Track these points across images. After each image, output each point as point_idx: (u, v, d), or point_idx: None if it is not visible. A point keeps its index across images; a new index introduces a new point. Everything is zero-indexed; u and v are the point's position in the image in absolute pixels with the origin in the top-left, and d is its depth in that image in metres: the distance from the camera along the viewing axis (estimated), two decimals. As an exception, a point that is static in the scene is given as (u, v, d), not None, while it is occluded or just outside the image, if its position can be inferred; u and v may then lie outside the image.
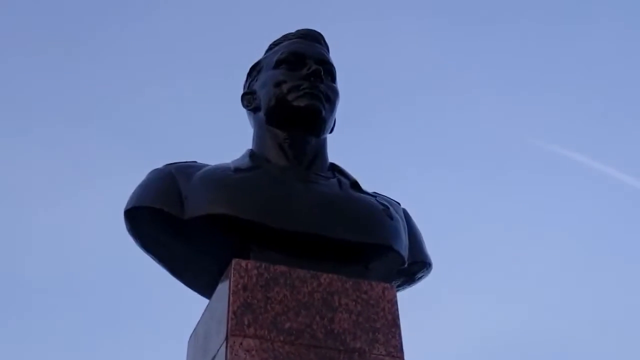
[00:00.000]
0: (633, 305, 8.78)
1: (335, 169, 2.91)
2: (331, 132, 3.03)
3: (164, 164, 2.79)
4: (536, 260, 9.53)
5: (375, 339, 2.44)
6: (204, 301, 2.74)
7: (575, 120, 10.25)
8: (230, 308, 2.35)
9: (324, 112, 2.83)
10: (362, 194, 2.79)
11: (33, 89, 9.72)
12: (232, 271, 2.43)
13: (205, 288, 2.72)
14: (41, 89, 9.75)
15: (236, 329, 2.31)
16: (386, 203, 2.82)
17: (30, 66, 9.76)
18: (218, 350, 2.34)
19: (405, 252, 2.75)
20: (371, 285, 2.55)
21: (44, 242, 9.36)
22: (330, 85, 2.93)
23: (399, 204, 2.98)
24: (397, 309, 2.55)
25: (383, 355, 2.42)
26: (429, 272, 2.95)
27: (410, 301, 2.90)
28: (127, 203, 2.69)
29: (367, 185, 2.87)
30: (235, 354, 2.26)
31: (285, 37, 3.09)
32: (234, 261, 2.45)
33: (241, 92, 3.10)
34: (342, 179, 2.83)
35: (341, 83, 3.03)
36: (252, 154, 2.83)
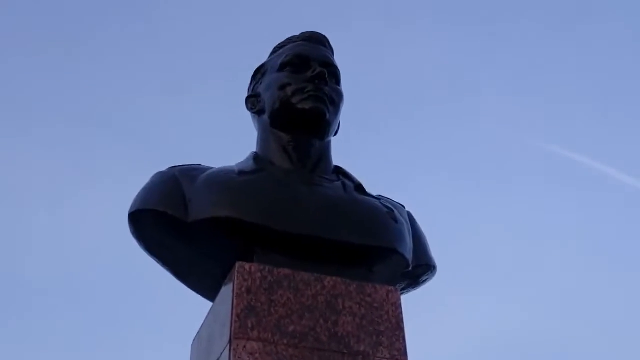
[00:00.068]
0: (634, 306, 8.77)
1: (339, 171, 2.90)
2: (335, 134, 3.03)
3: (168, 166, 2.79)
4: (538, 262, 9.52)
5: (379, 342, 2.44)
6: (208, 304, 2.73)
7: (578, 123, 10.24)
8: (234, 311, 2.34)
9: (328, 115, 2.82)
10: (366, 197, 2.78)
11: (34, 89, 9.74)
12: (236, 274, 2.42)
13: (209, 291, 2.72)
14: (42, 89, 9.76)
15: (240, 332, 2.30)
16: (390, 206, 2.81)
17: (31, 66, 9.78)
18: (222, 354, 2.34)
19: (409, 255, 2.74)
20: (375, 289, 2.55)
21: (45, 243, 9.38)
22: (334, 88, 2.93)
23: (403, 206, 2.98)
24: (401, 312, 2.54)
25: (387, 359, 2.41)
26: (433, 275, 2.94)
27: (414, 304, 2.89)
28: (131, 206, 2.68)
29: (371, 188, 2.87)
30: (238, 357, 2.25)
31: (290, 40, 3.09)
32: (237, 264, 2.45)
33: (245, 94, 3.10)
34: (347, 181, 2.82)
35: (345, 86, 3.03)
36: (256, 157, 2.82)
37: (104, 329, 8.85)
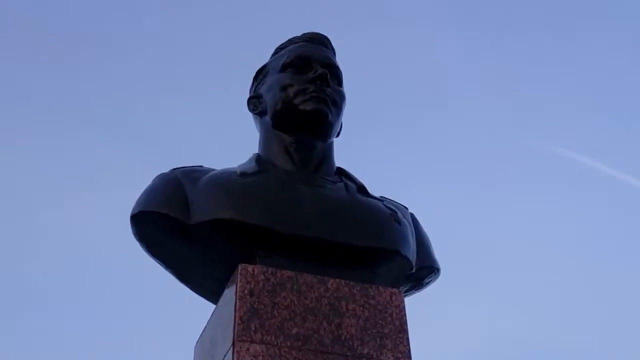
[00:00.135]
0: (636, 308, 8.75)
1: (342, 173, 2.90)
2: (338, 136, 3.02)
3: (170, 168, 2.78)
4: (541, 264, 9.50)
5: (382, 344, 2.43)
6: (211, 306, 2.72)
7: (581, 124, 10.23)
8: (237, 313, 2.33)
9: (330, 116, 2.81)
10: (369, 199, 2.77)
11: (36, 91, 9.73)
12: (239, 276, 2.41)
13: (211, 293, 2.71)
14: (44, 91, 9.75)
15: (243, 334, 2.29)
16: (393, 207, 2.80)
17: (32, 68, 9.78)
18: (224, 356, 2.33)
19: (412, 257, 2.73)
20: (378, 291, 2.54)
21: (49, 245, 9.36)
22: (336, 89, 2.92)
23: (406, 208, 2.97)
24: (404, 315, 2.53)
25: (391, 361, 2.40)
26: (437, 277, 2.93)
27: (417, 306, 2.88)
28: (134, 208, 2.68)
29: (374, 189, 2.86)
30: (242, 360, 2.24)
31: (291, 41, 3.08)
32: (240, 266, 2.44)
33: (247, 96, 3.09)
34: (349, 183, 2.81)
35: (348, 88, 3.02)
36: (258, 158, 2.81)
37: (106, 332, 8.85)
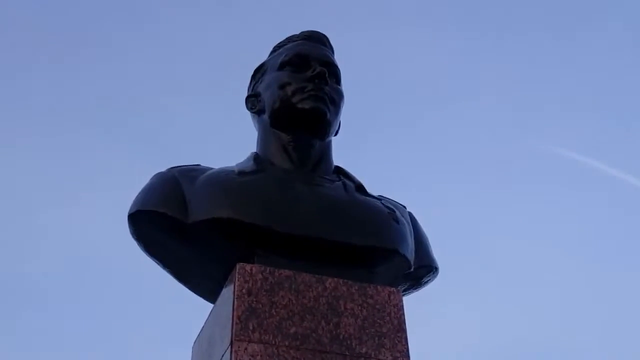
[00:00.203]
0: (636, 307, 8.75)
1: (340, 172, 2.89)
2: (336, 134, 3.01)
3: (167, 167, 2.77)
4: (541, 264, 9.50)
5: (381, 343, 2.42)
6: (208, 306, 2.72)
7: (581, 124, 10.22)
8: (235, 313, 2.33)
9: (328, 115, 2.80)
10: (367, 197, 2.76)
11: (36, 92, 9.72)
12: (237, 275, 2.40)
13: (209, 292, 2.70)
14: (45, 91, 9.74)
15: (241, 333, 2.28)
16: (392, 206, 2.79)
17: (32, 68, 9.77)
18: (222, 356, 2.32)
19: (411, 256, 2.72)
20: (377, 290, 2.53)
21: (49, 245, 9.35)
22: (335, 88, 2.91)
23: (404, 207, 2.96)
24: (403, 314, 2.52)
25: (389, 361, 2.39)
26: (435, 277, 2.92)
27: (416, 306, 2.87)
28: (131, 207, 2.67)
29: (372, 189, 2.85)
30: (239, 359, 2.23)
31: (290, 39, 3.07)
32: (238, 265, 2.43)
33: (245, 94, 3.08)
34: (347, 182, 2.80)
35: (347, 88, 3.01)
36: (256, 157, 2.80)
37: (104, 332, 8.84)
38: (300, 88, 2.80)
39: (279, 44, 3.10)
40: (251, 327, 2.31)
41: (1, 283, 9.30)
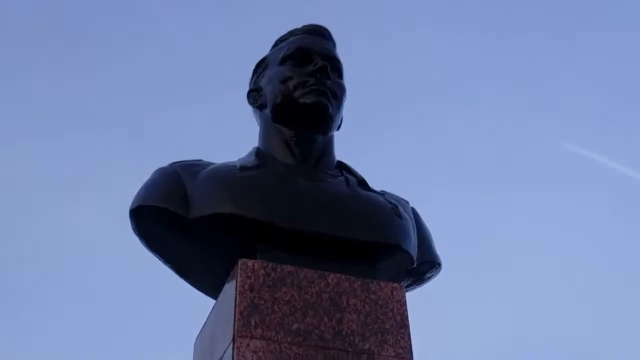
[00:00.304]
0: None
1: (342, 166, 2.87)
2: (338, 129, 3.00)
3: (169, 162, 2.76)
4: (546, 261, 9.48)
5: (384, 340, 2.41)
6: (210, 302, 2.70)
7: (587, 119, 10.20)
8: (237, 309, 2.32)
9: (330, 109, 2.79)
10: (369, 193, 2.75)
11: (36, 91, 9.71)
12: (239, 271, 2.39)
13: (211, 288, 2.69)
14: (45, 91, 9.73)
15: (243, 330, 2.27)
16: (394, 202, 2.78)
17: (31, 66, 9.76)
18: (225, 352, 2.31)
19: (414, 252, 2.71)
20: (380, 286, 2.52)
21: (47, 242, 9.35)
22: (337, 82, 2.89)
23: (407, 202, 2.94)
24: (406, 310, 2.51)
25: (392, 357, 2.38)
26: (438, 272, 2.91)
27: (419, 301, 2.86)
28: (132, 202, 2.66)
29: (376, 184, 2.84)
30: (242, 356, 2.22)
31: (291, 33, 3.05)
32: (240, 261, 2.42)
33: (246, 89, 3.07)
34: (350, 177, 2.79)
35: (349, 84, 3.00)
36: (258, 152, 2.79)
37: (106, 328, 8.84)
38: (302, 82, 2.79)
39: (280, 37, 3.09)
40: (253, 323, 2.30)
41: (1, 283, 9.30)
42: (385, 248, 2.60)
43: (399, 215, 2.69)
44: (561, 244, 9.66)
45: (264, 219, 2.47)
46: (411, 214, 2.87)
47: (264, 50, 3.15)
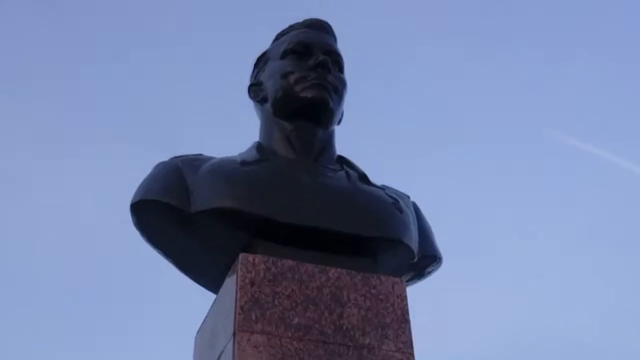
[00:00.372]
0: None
1: (343, 161, 2.87)
2: (339, 123, 3.00)
3: (170, 156, 2.76)
4: (546, 255, 9.48)
5: (384, 334, 2.41)
6: (211, 296, 2.71)
7: (586, 111, 10.17)
8: (238, 303, 2.32)
9: (331, 104, 2.79)
10: (370, 187, 2.75)
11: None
12: (240, 265, 2.39)
13: (212, 283, 2.69)
14: (43, 76, 9.71)
15: (244, 324, 2.28)
16: (395, 196, 2.78)
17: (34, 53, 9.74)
18: (225, 346, 2.31)
19: (415, 246, 2.71)
20: (380, 280, 2.52)
21: (46, 235, 9.35)
22: (338, 76, 2.89)
23: (408, 197, 2.95)
24: (406, 304, 2.51)
25: (393, 351, 2.38)
26: (439, 267, 2.92)
27: (420, 296, 2.86)
28: (134, 196, 2.66)
29: (377, 179, 2.84)
30: (242, 350, 2.23)
31: (292, 27, 3.05)
32: (241, 255, 2.42)
33: (247, 83, 3.07)
34: (351, 171, 2.79)
35: (349, 76, 3.00)
36: (259, 147, 2.79)
37: (106, 323, 8.84)
38: (302, 77, 2.79)
39: (281, 32, 3.09)
40: (254, 318, 2.30)
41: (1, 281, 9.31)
42: (386, 242, 2.60)
43: (400, 210, 2.69)
44: (565, 239, 9.65)
45: (265, 213, 2.47)
46: (412, 209, 2.87)
47: (263, 43, 3.16)
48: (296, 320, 2.34)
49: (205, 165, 2.66)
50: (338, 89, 2.85)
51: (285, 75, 2.82)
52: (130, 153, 9.40)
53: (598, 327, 9.17)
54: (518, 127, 10.28)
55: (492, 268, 9.39)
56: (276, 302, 2.35)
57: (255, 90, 2.98)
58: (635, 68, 9.97)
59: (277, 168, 2.66)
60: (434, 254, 2.87)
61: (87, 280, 9.16)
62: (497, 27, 10.42)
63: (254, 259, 2.42)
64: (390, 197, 2.74)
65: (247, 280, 2.37)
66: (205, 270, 2.71)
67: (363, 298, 2.46)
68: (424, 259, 2.82)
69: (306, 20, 3.05)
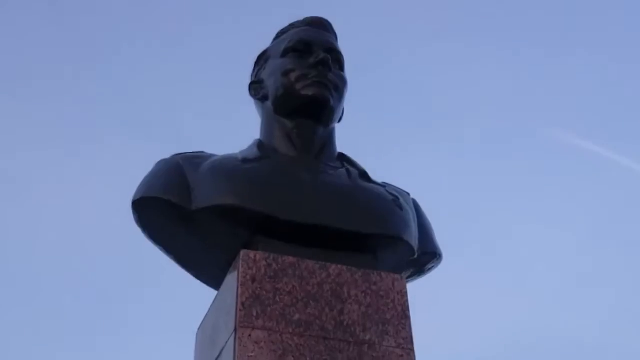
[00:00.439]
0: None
1: (343, 158, 2.89)
2: (339, 121, 3.01)
3: (172, 154, 2.77)
4: (551, 256, 9.48)
5: (385, 330, 2.42)
6: (212, 293, 2.72)
7: (586, 108, 10.17)
8: (239, 299, 2.33)
9: (332, 102, 2.80)
10: (371, 185, 2.76)
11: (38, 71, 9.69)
12: (241, 262, 2.40)
13: (213, 279, 2.70)
14: (45, 72, 9.72)
15: (245, 320, 2.29)
16: (396, 193, 2.79)
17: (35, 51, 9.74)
18: (226, 342, 2.32)
19: (415, 243, 2.72)
20: (381, 277, 2.53)
21: (46, 235, 9.36)
22: (338, 74, 2.90)
23: (408, 194, 2.96)
24: (407, 301, 2.52)
25: (393, 347, 2.39)
26: (439, 263, 2.93)
27: (420, 292, 2.87)
28: (135, 194, 2.67)
29: (377, 176, 2.85)
30: (243, 346, 2.24)
31: (293, 25, 3.06)
32: (242, 252, 2.43)
33: (247, 81, 3.08)
34: (351, 169, 2.80)
35: (349, 72, 3.00)
36: (260, 144, 2.80)
37: (105, 323, 8.85)
38: (303, 75, 2.79)
39: (282, 30, 3.10)
40: (255, 314, 2.31)
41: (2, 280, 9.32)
42: (386, 239, 2.62)
43: (400, 207, 2.71)
44: (567, 237, 9.65)
45: (265, 210, 2.48)
46: (412, 206, 2.88)
47: (263, 41, 3.17)
48: (297, 316, 2.35)
49: (207, 163, 2.67)
50: (339, 87, 2.86)
51: (286, 73, 2.83)
52: (130, 153, 9.42)
53: (598, 327, 9.18)
54: (518, 126, 10.30)
55: (492, 268, 9.40)
56: (277, 298, 2.36)
57: (256, 88, 2.99)
58: (636, 66, 9.98)
59: (278, 166, 2.67)
60: (434, 251, 2.88)
61: (87, 280, 9.17)
62: (497, 25, 10.44)
63: (255, 256, 2.43)
64: (391, 194, 2.76)
65: (248, 277, 2.38)
66: (206, 267, 2.72)
67: (363, 294, 2.47)
68: (424, 256, 2.84)
69: (307, 18, 3.06)
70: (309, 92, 2.77)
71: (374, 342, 2.38)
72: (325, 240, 2.53)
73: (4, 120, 9.66)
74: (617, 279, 9.27)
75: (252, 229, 2.51)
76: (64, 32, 10.01)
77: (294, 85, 2.79)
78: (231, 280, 2.46)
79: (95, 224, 9.14)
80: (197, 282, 2.84)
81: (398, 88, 9.86)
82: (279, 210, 2.49)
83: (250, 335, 2.26)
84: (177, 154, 2.76)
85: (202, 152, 2.79)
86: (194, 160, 2.69)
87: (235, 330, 2.27)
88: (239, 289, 2.35)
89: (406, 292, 2.54)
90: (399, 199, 2.76)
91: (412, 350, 2.42)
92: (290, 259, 2.46)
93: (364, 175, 2.80)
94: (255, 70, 3.09)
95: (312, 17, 3.06)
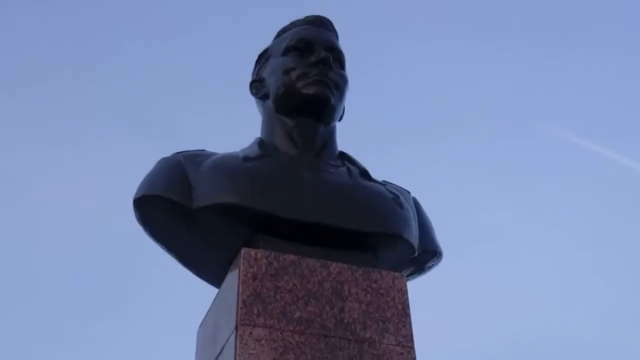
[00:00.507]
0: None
1: (344, 157, 2.89)
2: (340, 119, 3.01)
3: (173, 152, 2.78)
4: (551, 255, 9.48)
5: (385, 328, 2.43)
6: (213, 291, 2.73)
7: (586, 107, 10.17)
8: (240, 297, 2.33)
9: (332, 100, 2.81)
10: (371, 183, 2.77)
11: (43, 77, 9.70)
12: (242, 260, 2.41)
13: (214, 277, 2.71)
14: (49, 74, 9.72)
15: (246, 318, 2.29)
16: (396, 192, 2.80)
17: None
18: (227, 340, 2.33)
19: (415, 241, 2.73)
20: (381, 275, 2.54)
21: (46, 235, 9.36)
22: (339, 73, 2.91)
23: (409, 192, 2.96)
24: (407, 299, 2.53)
25: (393, 345, 2.40)
26: (439, 262, 2.94)
27: (420, 290, 2.88)
28: (136, 192, 2.68)
29: (378, 175, 2.86)
30: (244, 344, 2.24)
31: (294, 24, 3.07)
32: (243, 250, 2.44)
33: (249, 79, 3.08)
34: (352, 167, 2.81)
35: (350, 71, 3.01)
36: (261, 143, 2.81)
37: (105, 323, 8.85)
38: (304, 73, 2.80)
39: (282, 28, 3.10)
40: (256, 312, 2.32)
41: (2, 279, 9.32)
42: (386, 238, 2.62)
43: (400, 205, 2.71)
44: (566, 237, 9.65)
45: (266, 209, 2.48)
46: (412, 204, 2.89)
47: (263, 40, 3.17)
48: (298, 314, 2.36)
49: (208, 161, 2.68)
50: (339, 85, 2.87)
51: (287, 72, 2.84)
52: (130, 152, 9.42)
53: (598, 327, 9.18)
54: (518, 125, 10.30)
55: (492, 267, 9.41)
56: (278, 296, 2.37)
57: (257, 86, 3.00)
58: (636, 66, 9.98)
59: (278, 164, 2.68)
60: (434, 249, 2.89)
61: (87, 280, 9.17)
62: (497, 25, 10.44)
63: (256, 254, 2.43)
64: (391, 192, 2.76)
65: (249, 275, 2.38)
66: (207, 264, 2.73)
67: (364, 292, 2.48)
68: (424, 254, 2.84)
69: (307, 17, 3.07)
70: (310, 90, 2.78)
71: (374, 340, 2.39)
72: (326, 239, 2.54)
73: (4, 120, 9.66)
74: (617, 279, 9.27)
75: (253, 227, 2.52)
76: (64, 32, 10.02)
77: (294, 84, 2.80)
78: (232, 278, 2.47)
79: (95, 224, 9.15)
80: (198, 280, 2.85)
81: (398, 87, 9.87)
82: (279, 208, 2.50)
83: (251, 333, 2.27)
84: (178, 152, 2.77)
85: (203, 150, 2.80)
86: (195, 158, 2.70)
87: (236, 327, 2.28)
88: (240, 286, 2.36)
89: (406, 290, 2.55)
90: (399, 197, 2.77)
91: (412, 348, 2.42)
92: (291, 257, 2.46)
93: (364, 173, 2.80)
94: (256, 69, 3.10)
95: (313, 16, 3.06)
